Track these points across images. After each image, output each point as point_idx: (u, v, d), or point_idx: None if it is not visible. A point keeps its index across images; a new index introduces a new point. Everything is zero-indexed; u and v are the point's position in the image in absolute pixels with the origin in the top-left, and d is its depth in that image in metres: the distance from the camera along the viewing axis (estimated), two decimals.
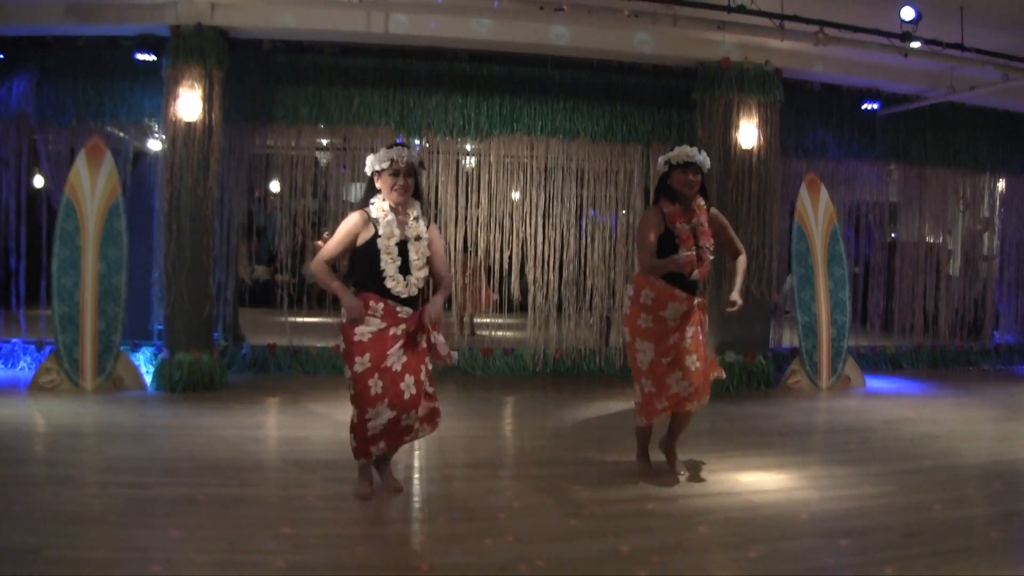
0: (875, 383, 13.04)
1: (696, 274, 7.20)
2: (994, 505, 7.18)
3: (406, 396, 6.49)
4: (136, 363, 11.38)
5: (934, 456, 8.61)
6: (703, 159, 7.28)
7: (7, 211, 12.22)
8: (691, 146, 7.33)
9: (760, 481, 7.53)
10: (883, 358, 14.74)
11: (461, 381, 12.54)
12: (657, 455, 7.72)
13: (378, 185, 6.66)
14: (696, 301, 7.25)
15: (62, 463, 7.66)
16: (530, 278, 13.36)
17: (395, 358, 6.49)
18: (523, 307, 13.62)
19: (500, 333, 14.23)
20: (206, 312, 11.38)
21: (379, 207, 6.62)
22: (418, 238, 6.63)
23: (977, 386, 13.50)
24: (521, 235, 13.26)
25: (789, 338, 14.13)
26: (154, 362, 11.46)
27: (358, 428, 6.57)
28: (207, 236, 11.36)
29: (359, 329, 6.47)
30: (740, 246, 7.75)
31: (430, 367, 6.73)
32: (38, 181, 13.35)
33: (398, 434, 6.64)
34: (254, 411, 10.32)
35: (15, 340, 12.12)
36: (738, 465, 8.02)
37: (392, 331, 6.50)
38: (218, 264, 12.03)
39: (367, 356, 6.45)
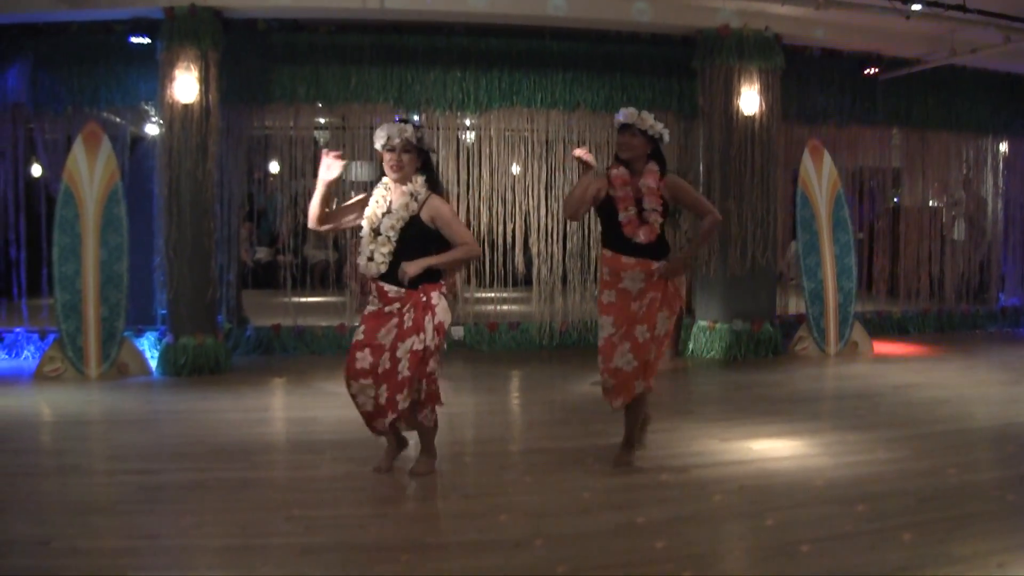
0: (882, 348, 13.01)
1: (641, 236, 6.85)
2: (1008, 468, 7.12)
3: (379, 370, 6.41)
4: (140, 349, 11.35)
5: (945, 420, 8.59)
6: (641, 122, 6.88)
7: (5, 201, 12.20)
8: (645, 111, 6.96)
9: (773, 449, 7.49)
10: (889, 323, 14.71)
11: (468, 357, 12.54)
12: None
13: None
14: (654, 267, 6.88)
15: (69, 452, 7.64)
16: (534, 251, 13.31)
17: (386, 336, 6.43)
18: (527, 281, 13.59)
19: (505, 307, 14.19)
20: (209, 295, 11.34)
21: (383, 183, 6.58)
22: (390, 212, 6.46)
23: (984, 349, 13.50)
24: (524, 208, 13.21)
25: (795, 305, 14.08)
26: (158, 347, 11.44)
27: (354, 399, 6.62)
28: (208, 219, 11.31)
29: (368, 308, 6.50)
30: (708, 207, 7.20)
31: (417, 349, 6.39)
32: (36, 170, 13.29)
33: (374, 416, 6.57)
34: (261, 393, 10.31)
35: (18, 329, 12.09)
36: (750, 433, 7.99)
37: (387, 309, 6.44)
38: (220, 247, 11.96)
39: (361, 328, 6.49)
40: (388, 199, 6.54)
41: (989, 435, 8.17)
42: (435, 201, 6.53)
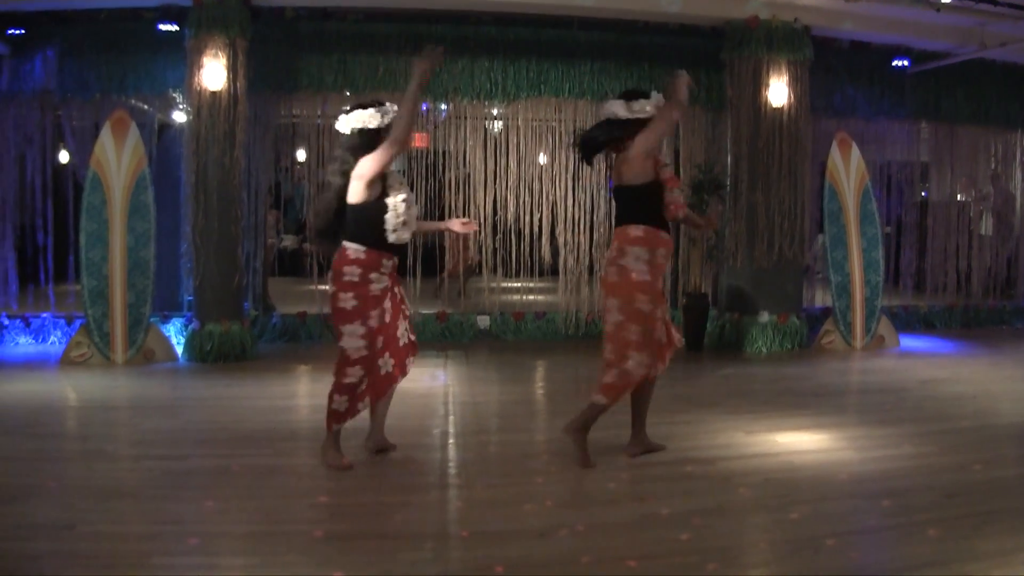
0: (909, 343, 12.96)
1: (681, 214, 6.88)
2: None
3: (400, 344, 6.78)
4: (167, 335, 11.41)
5: (971, 416, 8.54)
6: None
7: (33, 187, 12.26)
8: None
9: (798, 442, 7.47)
10: (916, 317, 14.63)
11: (493, 346, 12.56)
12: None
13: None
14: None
15: (95, 437, 7.68)
16: (560, 241, 13.29)
17: (387, 313, 6.70)
18: (554, 270, 13.58)
19: (531, 297, 14.21)
20: (235, 282, 11.37)
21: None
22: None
23: (1011, 344, 13.39)
24: (550, 198, 13.20)
25: (822, 298, 14.04)
26: (184, 333, 11.48)
27: (352, 387, 6.69)
28: (234, 206, 11.34)
29: (372, 286, 6.53)
30: None
31: (408, 313, 6.88)
32: (63, 157, 13.34)
33: (383, 384, 6.80)
34: (286, 380, 10.35)
35: (45, 315, 12.15)
36: (775, 426, 7.96)
37: (384, 287, 6.65)
38: (246, 234, 11.97)
39: (372, 315, 6.58)
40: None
41: (1015, 431, 8.12)
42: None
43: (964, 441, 7.54)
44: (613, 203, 7.05)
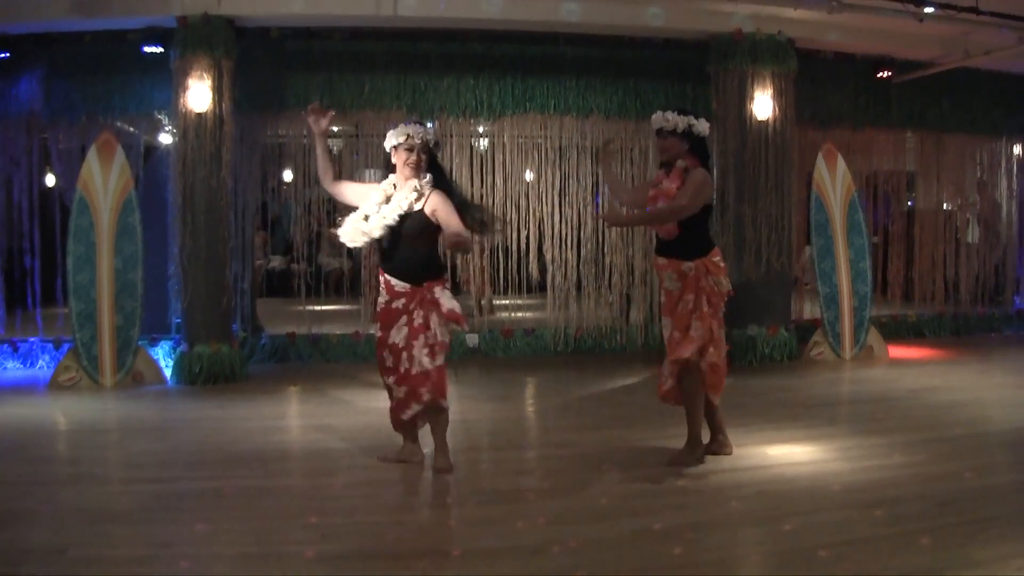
0: (898, 352, 12.95)
1: (662, 233, 7.16)
2: None
3: (400, 370, 6.79)
4: (155, 357, 11.36)
5: (962, 424, 8.55)
6: (665, 123, 7.02)
7: (20, 210, 12.18)
8: (676, 113, 7.06)
9: (790, 454, 7.48)
10: (905, 327, 14.63)
11: (483, 363, 12.54)
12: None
13: (394, 160, 6.90)
14: (683, 266, 7.11)
15: (85, 460, 7.65)
16: (548, 258, 13.28)
17: (398, 333, 6.76)
18: (542, 287, 13.57)
19: (520, 314, 14.19)
20: (224, 304, 11.34)
21: (389, 183, 6.93)
22: (387, 201, 6.86)
23: (1000, 352, 13.46)
24: (537, 215, 13.18)
25: (811, 310, 14.04)
26: (173, 356, 11.43)
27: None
28: (222, 227, 11.30)
29: (380, 299, 6.87)
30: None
31: (432, 341, 6.79)
32: (50, 179, 13.31)
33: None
34: (276, 401, 10.29)
35: (33, 339, 12.09)
36: (767, 438, 7.97)
37: (394, 304, 6.78)
38: (234, 255, 11.94)
39: (379, 325, 6.89)
40: (390, 193, 6.89)
41: (1007, 438, 8.14)
42: (437, 196, 6.81)
43: (955, 449, 7.58)
44: (702, 222, 7.29)
